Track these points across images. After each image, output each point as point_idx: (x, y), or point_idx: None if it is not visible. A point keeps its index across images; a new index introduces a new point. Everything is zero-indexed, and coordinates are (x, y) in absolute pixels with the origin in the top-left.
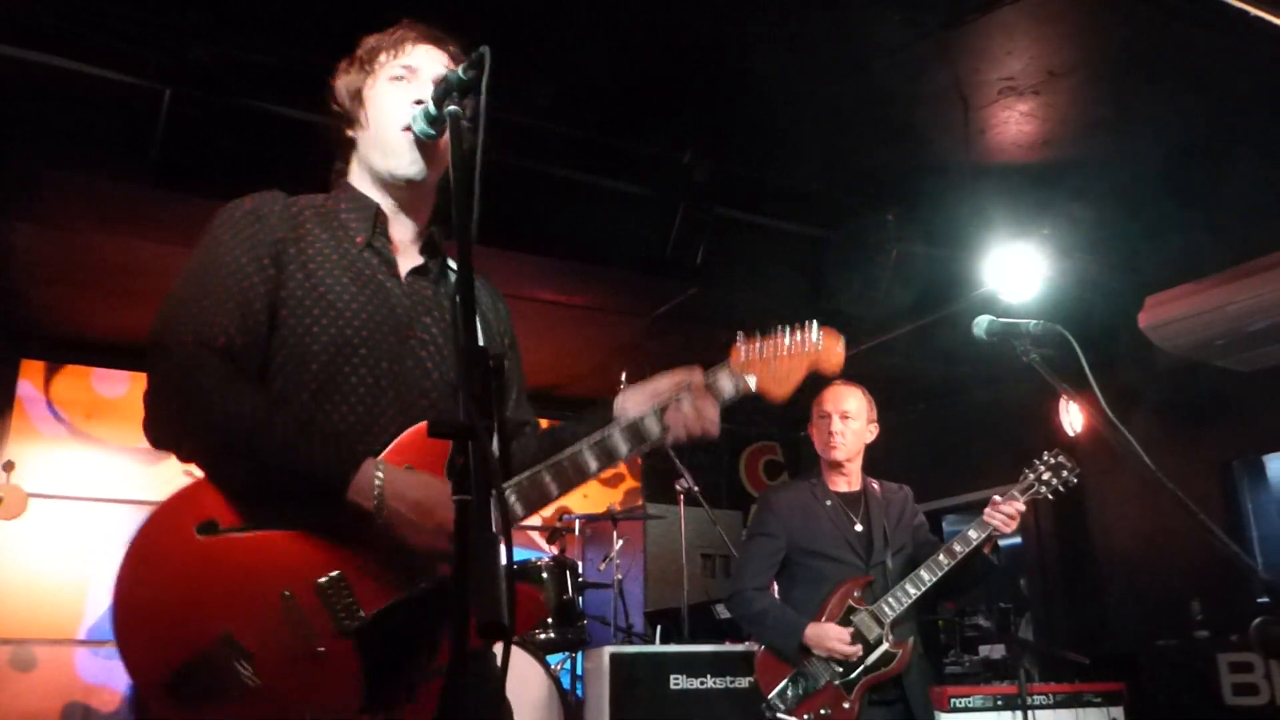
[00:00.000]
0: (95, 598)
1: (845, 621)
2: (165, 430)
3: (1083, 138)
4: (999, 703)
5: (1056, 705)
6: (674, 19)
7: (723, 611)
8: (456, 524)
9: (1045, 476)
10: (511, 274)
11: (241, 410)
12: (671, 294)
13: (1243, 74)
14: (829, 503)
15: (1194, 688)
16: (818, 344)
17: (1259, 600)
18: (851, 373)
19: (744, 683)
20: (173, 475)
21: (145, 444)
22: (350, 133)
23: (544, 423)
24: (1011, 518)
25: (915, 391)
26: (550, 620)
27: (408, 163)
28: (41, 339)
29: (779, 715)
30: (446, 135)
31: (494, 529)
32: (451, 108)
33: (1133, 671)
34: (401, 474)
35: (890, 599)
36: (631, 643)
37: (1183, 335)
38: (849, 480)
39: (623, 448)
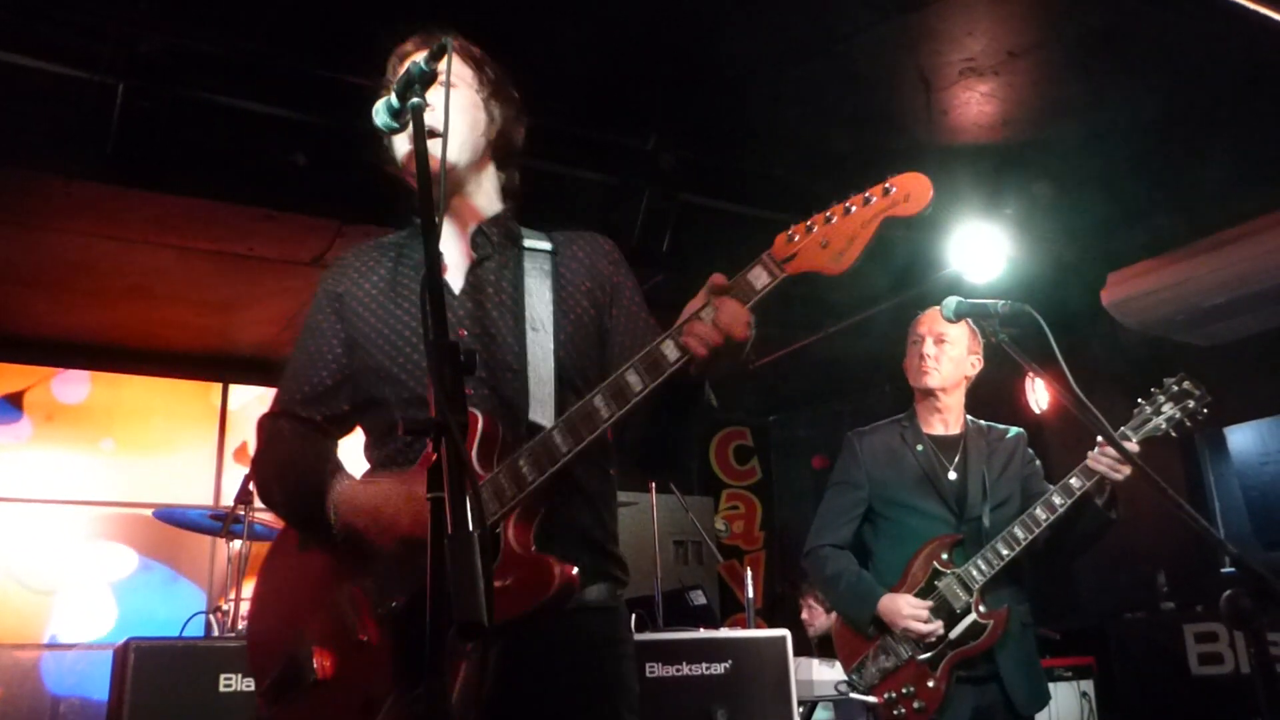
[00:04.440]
0: (59, 602)
1: (929, 587)
2: (257, 486)
3: (1043, 117)
4: None
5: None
6: (637, 5)
7: (697, 598)
8: (431, 523)
9: (1166, 409)
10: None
11: (269, 476)
12: (638, 281)
13: (1201, 51)
14: (920, 447)
15: (1161, 659)
16: (887, 190)
17: (1224, 570)
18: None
19: (720, 669)
20: (142, 475)
21: (107, 444)
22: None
23: None
24: (1121, 461)
25: (882, 373)
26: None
27: (404, 160)
28: None
29: (855, 695)
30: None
31: (470, 526)
32: (414, 100)
33: (1102, 645)
34: (351, 487)
35: (980, 561)
36: None
37: (1145, 311)
38: (946, 420)
39: (636, 383)
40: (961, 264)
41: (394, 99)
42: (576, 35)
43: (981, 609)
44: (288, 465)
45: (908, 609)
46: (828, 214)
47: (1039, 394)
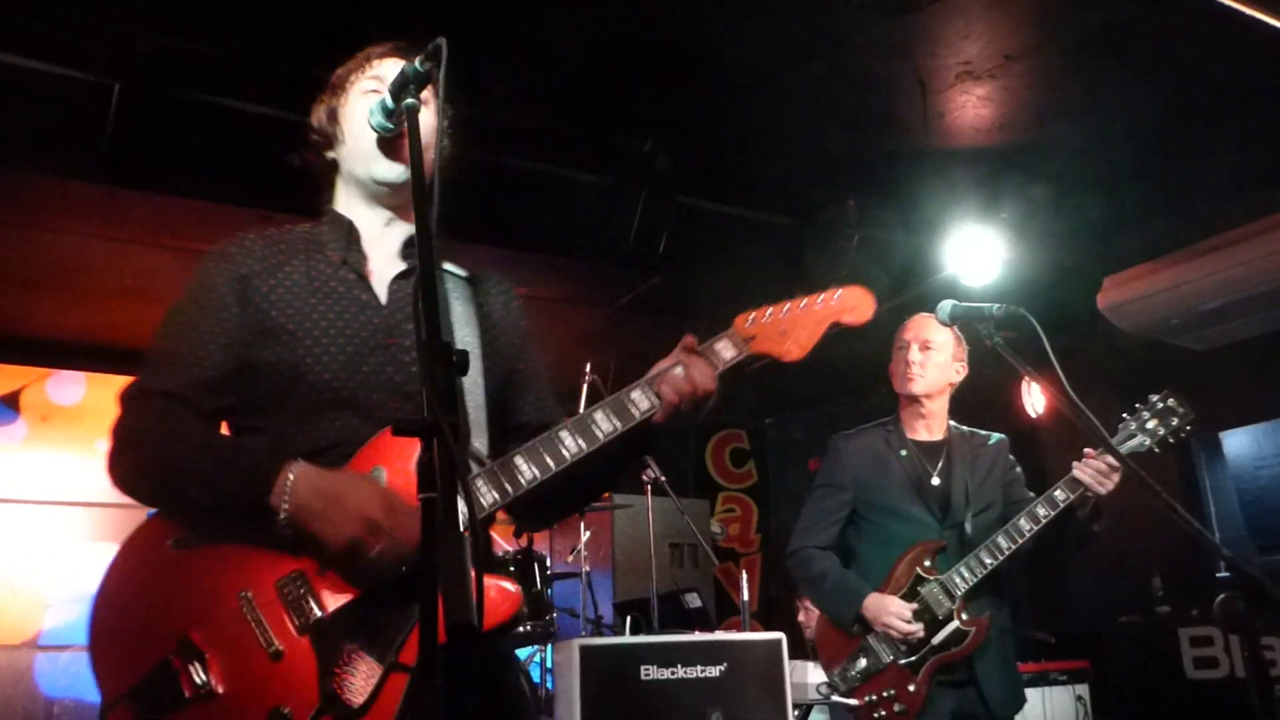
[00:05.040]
0: (53, 604)
1: (912, 593)
2: (120, 476)
3: (1040, 121)
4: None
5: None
6: (632, 6)
7: (692, 601)
8: (423, 522)
9: (1150, 425)
10: (474, 265)
11: (170, 456)
12: (635, 284)
13: (1198, 54)
14: (904, 452)
15: (1156, 663)
16: (837, 297)
17: (1218, 575)
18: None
19: (715, 671)
20: None
21: (102, 445)
22: (331, 154)
23: None
24: (1104, 474)
25: (878, 377)
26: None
27: (385, 167)
28: None
29: (836, 698)
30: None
31: (461, 527)
32: (409, 100)
33: (1097, 649)
34: (314, 472)
35: (963, 569)
36: (601, 634)
37: (1141, 315)
38: (930, 426)
39: (604, 424)
40: (958, 267)
41: (389, 100)
42: (574, 37)
43: (964, 616)
44: (206, 448)
45: (894, 608)
46: (785, 306)
47: (1035, 398)
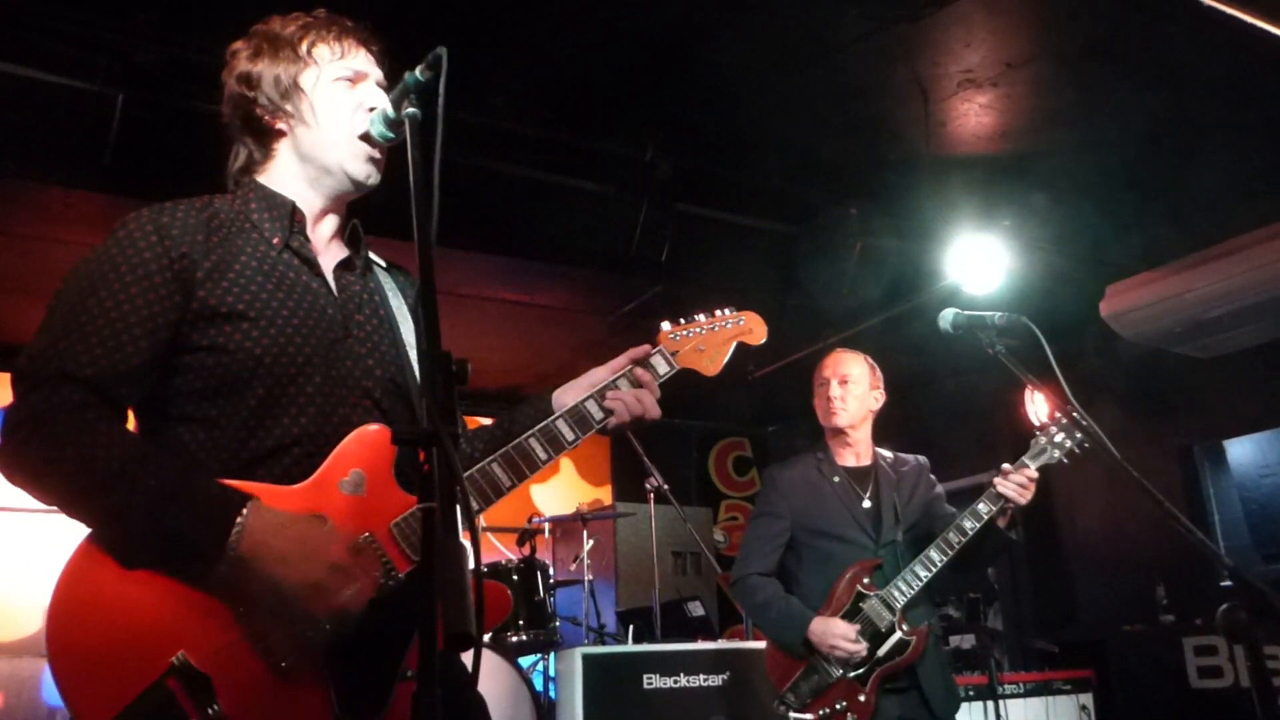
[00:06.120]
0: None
1: (854, 609)
2: (16, 469)
3: (1042, 129)
4: (970, 693)
5: (1027, 694)
6: (632, 14)
7: (695, 609)
8: (423, 531)
9: (1059, 439)
10: (475, 274)
11: (94, 459)
12: (636, 292)
13: (1200, 62)
14: (836, 479)
15: (1160, 672)
16: (739, 320)
17: (1222, 584)
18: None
19: (717, 680)
20: None
21: None
22: (279, 124)
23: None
24: (1024, 486)
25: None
26: (521, 622)
27: (368, 172)
28: None
29: (793, 715)
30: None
31: (460, 536)
32: (410, 110)
33: (1101, 658)
34: (278, 519)
35: (900, 583)
36: (604, 643)
37: (1143, 323)
38: (857, 453)
39: (568, 434)
40: (959, 275)
41: (389, 109)
42: (572, 44)
43: (905, 627)
44: (135, 461)
45: (839, 630)
46: (700, 323)
47: (1039, 405)
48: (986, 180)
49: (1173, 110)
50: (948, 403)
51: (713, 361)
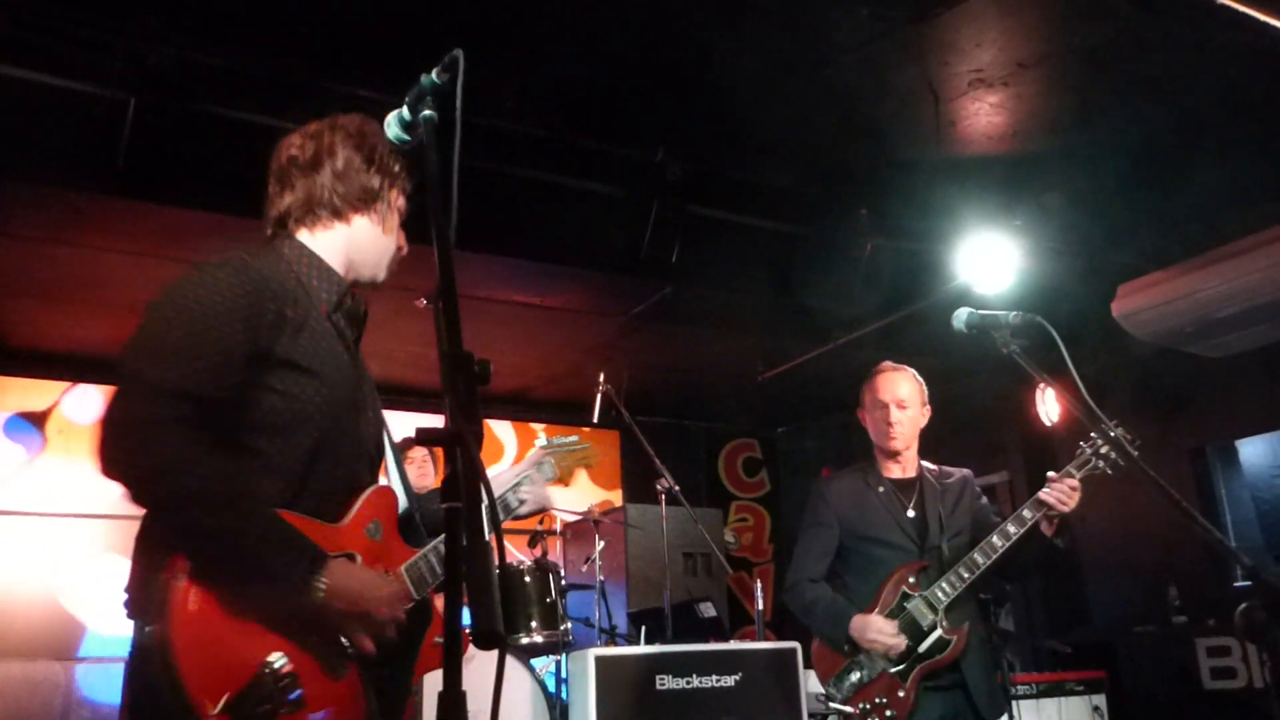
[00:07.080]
0: (72, 615)
1: (899, 608)
2: (121, 470)
3: (1053, 128)
4: None
5: (1039, 695)
6: (643, 16)
7: (706, 610)
8: (447, 532)
9: (1104, 450)
10: (485, 276)
11: (210, 480)
12: (646, 294)
13: (1212, 60)
14: (881, 489)
15: (1173, 673)
16: (588, 450)
17: (1235, 585)
18: (828, 369)
19: (730, 681)
20: None
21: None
22: (349, 211)
23: (533, 427)
24: (1068, 495)
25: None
26: (534, 624)
27: (386, 278)
28: (8, 354)
29: (834, 705)
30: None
31: (487, 536)
32: (426, 112)
33: (1113, 659)
34: (348, 568)
35: (944, 584)
36: (616, 644)
37: (1154, 323)
38: (903, 467)
39: (521, 510)
40: (971, 275)
41: (405, 112)
42: (583, 47)
43: (945, 625)
44: (244, 496)
45: (877, 625)
46: (571, 442)
47: (1049, 405)
48: (997, 180)
49: (1184, 110)
50: (955, 405)
51: (568, 478)
